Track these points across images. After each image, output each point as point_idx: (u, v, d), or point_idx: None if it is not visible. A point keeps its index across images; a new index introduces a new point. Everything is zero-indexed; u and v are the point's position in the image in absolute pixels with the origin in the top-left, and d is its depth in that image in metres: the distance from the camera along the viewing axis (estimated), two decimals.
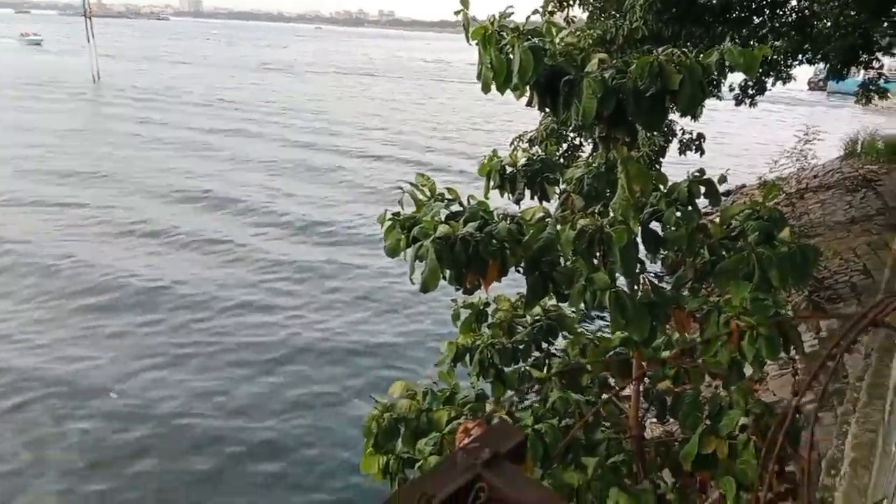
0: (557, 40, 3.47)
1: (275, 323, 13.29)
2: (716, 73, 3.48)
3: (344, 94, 55.11)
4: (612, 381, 4.24)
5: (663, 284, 3.71)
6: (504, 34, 3.38)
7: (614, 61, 3.49)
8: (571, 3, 13.26)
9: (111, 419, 9.95)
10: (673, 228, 3.59)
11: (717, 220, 3.82)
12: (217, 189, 22.25)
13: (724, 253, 3.62)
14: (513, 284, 3.80)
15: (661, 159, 14.39)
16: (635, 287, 3.47)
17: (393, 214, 3.55)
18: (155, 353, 11.85)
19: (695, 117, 8.36)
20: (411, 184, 3.75)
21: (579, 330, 4.46)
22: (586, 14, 13.59)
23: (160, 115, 37.92)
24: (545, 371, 4.26)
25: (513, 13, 3.48)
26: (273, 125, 36.67)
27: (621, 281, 3.39)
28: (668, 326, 3.68)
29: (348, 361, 11.95)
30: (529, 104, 3.62)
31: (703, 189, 3.69)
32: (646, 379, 3.99)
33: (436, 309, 13.42)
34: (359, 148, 31.24)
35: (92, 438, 9.48)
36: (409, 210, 3.58)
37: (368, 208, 20.08)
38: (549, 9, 12.98)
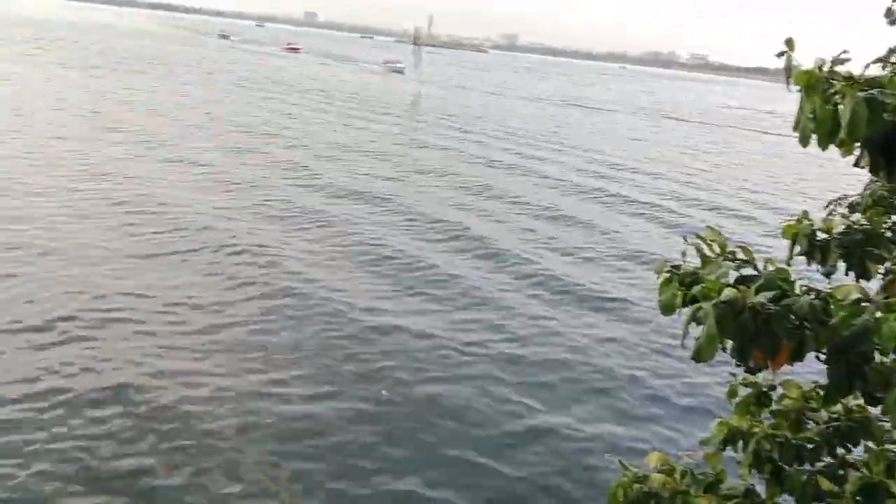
0: None
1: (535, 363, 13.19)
2: None
3: (638, 135, 54.07)
4: None
5: None
6: (834, 81, 2.89)
7: None
8: None
9: None
10: None
11: None
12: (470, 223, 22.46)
13: None
14: (810, 371, 3.22)
15: None
16: None
17: (672, 267, 3.20)
18: None
19: None
20: (698, 236, 3.35)
21: (889, 444, 3.65)
22: None
23: (459, 141, 40.25)
24: (837, 484, 3.53)
25: (848, 59, 2.96)
26: (551, 162, 36.27)
27: None
28: None
29: (599, 415, 11.33)
30: (857, 165, 3.07)
31: None
32: None
33: (711, 381, 12.21)
34: (636, 193, 29.88)
35: None
36: (691, 264, 3.20)
37: (633, 266, 18.64)
38: (894, 60, 11.36)
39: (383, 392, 10.93)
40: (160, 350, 11.15)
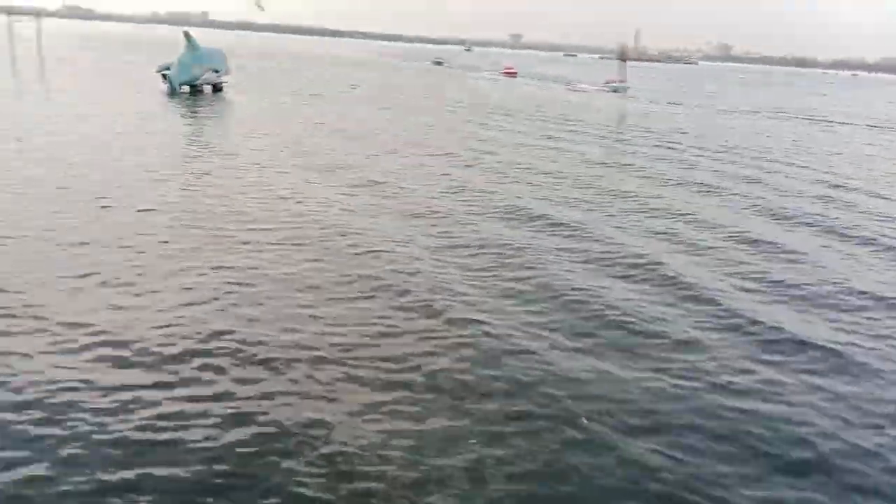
0: None
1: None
2: None
3: (872, 152, 47.77)
4: None
5: None
6: None
7: None
8: None
9: None
10: None
11: None
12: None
13: None
14: None
15: None
16: None
17: None
18: None
19: None
20: None
21: None
22: None
23: (663, 161, 37.92)
24: None
25: None
26: (764, 184, 32.21)
27: None
28: None
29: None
30: None
31: None
32: None
33: None
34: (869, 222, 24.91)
35: None
36: None
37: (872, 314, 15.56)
38: None
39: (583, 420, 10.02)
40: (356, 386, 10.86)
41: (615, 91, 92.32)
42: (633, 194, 27.25)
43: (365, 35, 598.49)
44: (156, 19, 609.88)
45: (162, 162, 27.64)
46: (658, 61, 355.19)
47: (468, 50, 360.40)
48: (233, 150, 31.81)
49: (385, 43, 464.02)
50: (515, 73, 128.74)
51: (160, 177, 24.72)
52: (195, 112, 46.12)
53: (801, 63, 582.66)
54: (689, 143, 45.29)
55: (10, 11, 72.53)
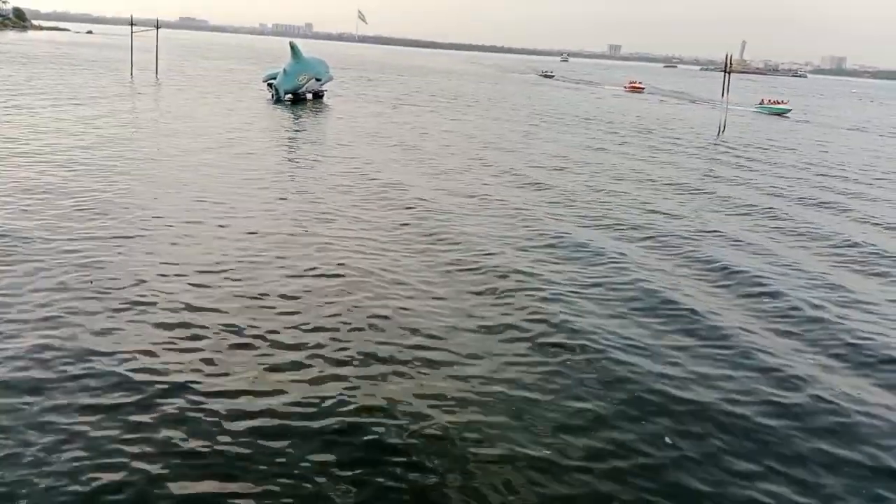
0: None
1: None
2: None
3: None
4: None
5: None
6: None
7: None
8: None
9: None
10: None
11: None
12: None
13: None
14: None
15: None
16: None
17: None
18: None
19: None
20: None
21: None
22: None
23: (761, 174, 36.16)
24: None
25: None
26: (875, 199, 30.69)
27: None
28: None
29: None
30: None
31: None
32: None
33: None
34: None
35: None
36: None
37: None
38: None
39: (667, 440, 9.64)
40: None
41: (779, 114, 78.74)
42: (731, 207, 26.25)
43: (458, 46, 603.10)
44: (263, 30, 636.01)
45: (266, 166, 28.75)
46: (764, 73, 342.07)
47: (565, 60, 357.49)
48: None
49: (478, 53, 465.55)
50: (643, 87, 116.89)
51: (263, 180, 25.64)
52: (298, 117, 47.89)
53: None
54: (784, 158, 43.14)
55: (133, 23, 76.81)
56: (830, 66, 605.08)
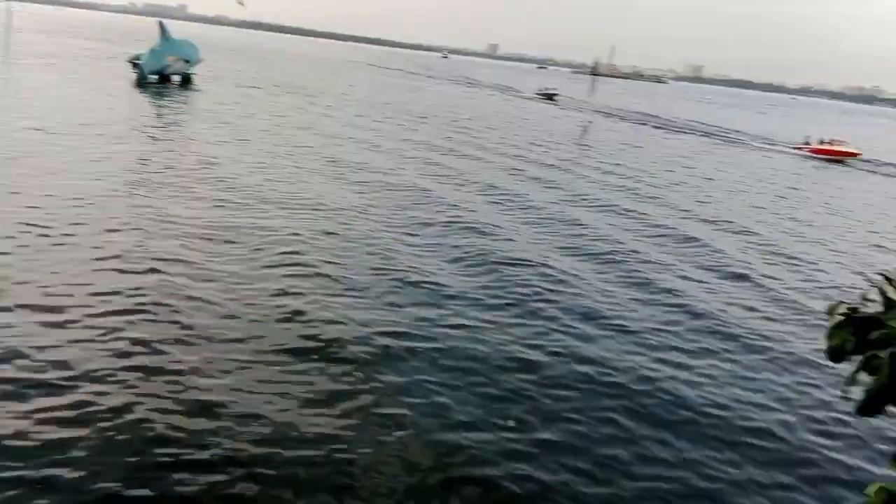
0: None
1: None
2: None
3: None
4: None
5: None
6: None
7: None
8: None
9: None
10: None
11: None
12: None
13: None
14: None
15: None
16: None
17: (848, 308, 2.88)
18: None
19: None
20: (886, 277, 2.99)
21: None
22: None
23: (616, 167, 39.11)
24: None
25: None
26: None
27: None
28: None
29: (728, 458, 10.38)
30: None
31: None
32: None
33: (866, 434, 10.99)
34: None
35: None
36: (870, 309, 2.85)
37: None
38: None
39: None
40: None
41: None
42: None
43: (338, 36, 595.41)
44: (132, 10, 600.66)
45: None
46: (630, 78, 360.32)
47: (444, 57, 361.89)
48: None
49: (360, 45, 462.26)
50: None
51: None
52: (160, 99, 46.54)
53: (771, 87, 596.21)
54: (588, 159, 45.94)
55: None
56: (690, 74, 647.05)
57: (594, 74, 72.13)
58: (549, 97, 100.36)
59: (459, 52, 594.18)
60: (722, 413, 11.71)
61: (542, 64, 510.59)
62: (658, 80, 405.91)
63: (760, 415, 11.88)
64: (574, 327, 14.48)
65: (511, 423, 10.35)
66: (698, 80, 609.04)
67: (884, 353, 2.52)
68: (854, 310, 2.90)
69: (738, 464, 10.27)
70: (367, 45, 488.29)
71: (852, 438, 11.35)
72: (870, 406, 2.52)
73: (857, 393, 2.55)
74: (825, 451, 10.92)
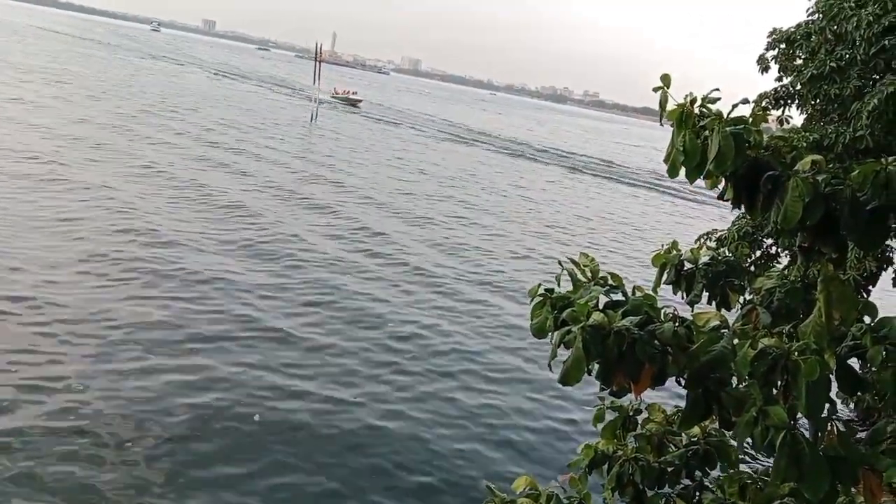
0: (766, 137, 3.05)
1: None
2: None
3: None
4: None
5: (856, 436, 3.04)
6: (704, 116, 3.02)
7: (830, 166, 3.01)
8: (789, 102, 12.37)
9: None
10: (876, 370, 3.00)
11: None
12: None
13: None
14: (672, 395, 3.33)
15: (871, 288, 12.67)
16: (819, 433, 2.86)
17: (546, 290, 3.23)
18: None
19: None
20: (573, 261, 3.41)
21: (742, 466, 3.81)
22: (803, 117, 12.57)
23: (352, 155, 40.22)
24: None
25: (719, 98, 3.10)
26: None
27: (802, 423, 2.80)
28: (852, 490, 2.99)
29: (469, 434, 11.41)
30: (721, 197, 3.21)
31: None
32: None
33: (584, 403, 12.70)
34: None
35: None
36: (564, 289, 3.24)
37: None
38: (764, 104, 12.21)
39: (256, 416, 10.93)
40: None
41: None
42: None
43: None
44: None
45: None
46: (352, 67, 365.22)
47: (156, 30, 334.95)
48: None
49: (58, 11, 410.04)
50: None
51: None
52: None
53: (481, 85, 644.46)
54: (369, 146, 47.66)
55: None
56: (409, 67, 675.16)
57: (318, 61, 69.91)
58: (353, 104, 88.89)
59: (171, 27, 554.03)
60: (441, 388, 12.59)
61: (264, 46, 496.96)
62: (380, 70, 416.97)
63: (481, 386, 12.98)
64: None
65: None
66: (417, 73, 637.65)
67: (575, 329, 2.87)
68: (550, 290, 3.26)
69: (459, 438, 11.09)
70: (56, 10, 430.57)
71: (562, 404, 12.88)
72: (567, 376, 2.85)
73: (560, 364, 2.88)
74: (541, 419, 12.27)
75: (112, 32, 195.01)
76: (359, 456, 10.31)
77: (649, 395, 3.23)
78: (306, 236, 21.46)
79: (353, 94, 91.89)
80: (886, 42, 10.45)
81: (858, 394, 3.26)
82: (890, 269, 12.98)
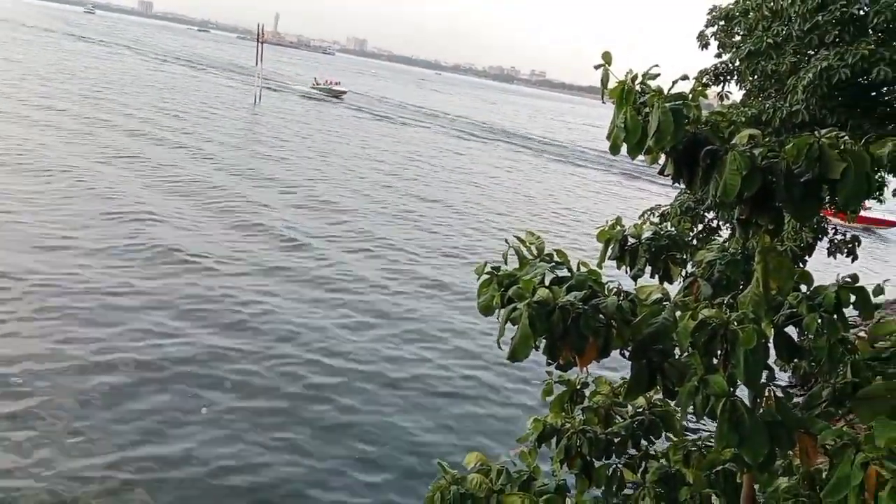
0: (705, 112, 3.10)
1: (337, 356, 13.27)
2: (886, 169, 3.01)
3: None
4: (715, 501, 3.61)
5: (792, 401, 3.15)
6: (644, 94, 3.05)
7: (767, 140, 3.08)
8: (728, 78, 12.64)
9: None
10: (811, 337, 3.10)
11: (866, 335, 3.27)
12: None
13: (870, 376, 3.08)
14: (618, 367, 3.39)
15: (807, 258, 13.10)
16: (757, 400, 2.96)
17: (493, 268, 3.24)
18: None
19: (855, 212, 7.53)
20: (518, 238, 3.42)
21: (686, 434, 3.92)
22: (742, 92, 12.88)
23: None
24: (639, 474, 3.75)
25: (658, 75, 3.13)
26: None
27: (742, 390, 2.89)
28: (789, 452, 3.10)
29: (425, 414, 11.52)
30: (662, 172, 3.25)
31: (852, 298, 3.14)
32: None
33: (534, 378, 12.91)
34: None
35: None
36: (512, 267, 3.25)
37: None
38: (704, 81, 12.46)
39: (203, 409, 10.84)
40: None
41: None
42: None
43: None
44: None
45: None
46: (296, 48, 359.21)
47: (90, 12, 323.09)
48: None
49: None
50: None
51: None
52: None
53: (428, 65, 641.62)
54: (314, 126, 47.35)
55: None
56: (354, 47, 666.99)
57: (260, 42, 66.85)
58: (336, 95, 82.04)
59: (107, 8, 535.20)
60: (393, 367, 12.66)
61: (204, 27, 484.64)
62: (325, 51, 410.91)
63: (426, 365, 13.07)
64: None
65: None
66: (363, 53, 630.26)
67: (521, 305, 2.89)
68: (497, 268, 3.28)
69: (409, 416, 11.17)
70: None
71: (512, 380, 13.06)
72: (514, 352, 2.88)
73: (507, 341, 2.90)
74: (490, 395, 12.43)
75: (45, 15, 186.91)
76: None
77: (597, 369, 3.28)
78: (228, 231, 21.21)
79: (337, 84, 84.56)
80: (820, 18, 10.72)
81: (795, 360, 3.36)
82: (825, 240, 13.47)
